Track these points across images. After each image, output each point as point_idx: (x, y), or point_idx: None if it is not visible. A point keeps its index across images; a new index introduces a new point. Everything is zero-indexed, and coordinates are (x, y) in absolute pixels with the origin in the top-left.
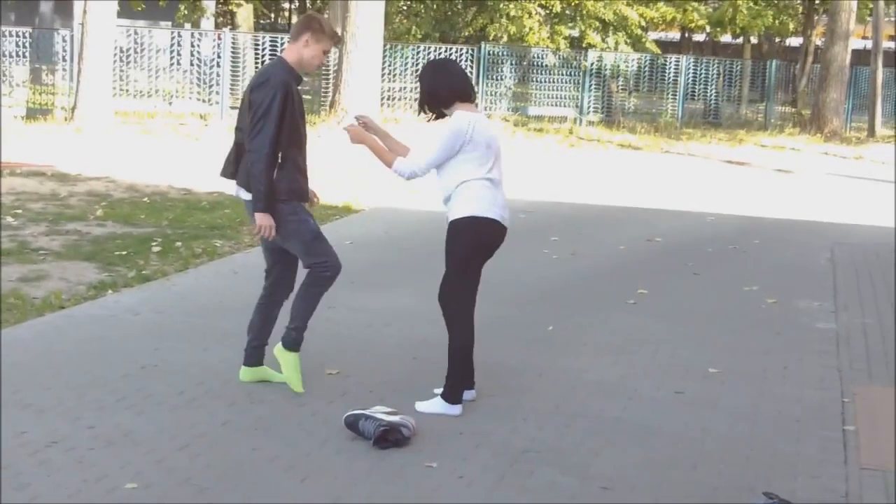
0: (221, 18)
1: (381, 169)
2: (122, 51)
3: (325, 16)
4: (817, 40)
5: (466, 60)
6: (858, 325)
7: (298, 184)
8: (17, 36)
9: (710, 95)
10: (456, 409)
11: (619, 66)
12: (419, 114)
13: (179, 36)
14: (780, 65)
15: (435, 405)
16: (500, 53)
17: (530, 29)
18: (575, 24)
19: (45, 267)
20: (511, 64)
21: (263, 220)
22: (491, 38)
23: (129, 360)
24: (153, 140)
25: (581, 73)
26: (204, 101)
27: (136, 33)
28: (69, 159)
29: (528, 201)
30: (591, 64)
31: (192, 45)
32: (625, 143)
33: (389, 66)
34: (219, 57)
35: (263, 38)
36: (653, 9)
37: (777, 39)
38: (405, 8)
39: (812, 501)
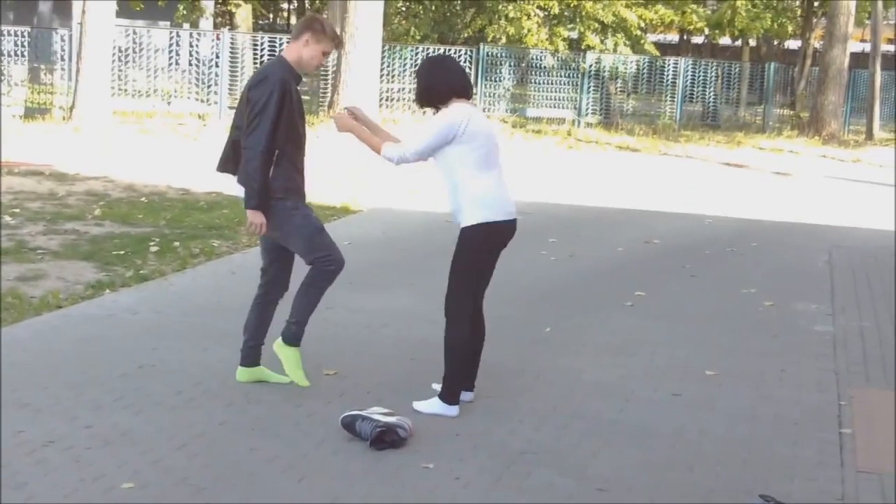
0: (220, 19)
1: (380, 169)
2: (120, 50)
3: (324, 16)
4: (816, 43)
5: (465, 62)
6: (856, 328)
7: (295, 182)
8: (16, 35)
9: (709, 98)
10: (453, 410)
11: (617, 68)
12: (419, 107)
13: (178, 36)
14: (778, 67)
15: (433, 405)
16: (499, 55)
17: (529, 30)
18: (574, 25)
19: (43, 266)
20: (510, 65)
21: (254, 217)
22: (489, 39)
23: (127, 359)
24: (151, 140)
25: (580, 75)
26: (202, 101)
27: (134, 33)
28: (67, 159)
29: (526, 203)
30: (590, 66)
31: (191, 45)
32: (623, 144)
33: (388, 66)
34: (217, 57)
35: (262, 38)
36: (651, 10)
37: (776, 42)
38: (404, 9)
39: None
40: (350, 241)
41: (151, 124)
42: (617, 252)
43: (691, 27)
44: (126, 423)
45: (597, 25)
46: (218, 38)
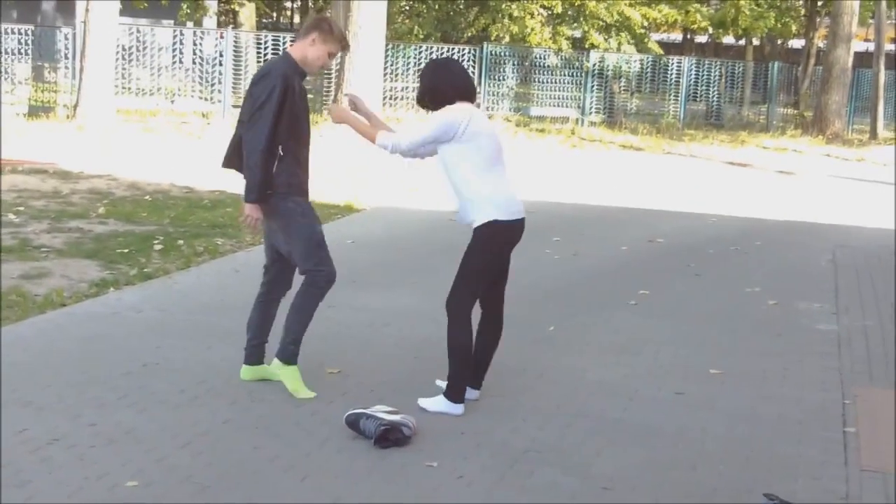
0: (224, 17)
1: (382, 168)
2: (124, 49)
3: (329, 15)
4: (819, 42)
5: (468, 61)
6: (859, 327)
7: (297, 178)
8: (20, 33)
9: (713, 97)
10: (458, 409)
11: (621, 67)
12: (420, 109)
13: (182, 34)
14: (782, 67)
15: (438, 403)
16: (502, 54)
17: (532, 29)
18: (578, 24)
19: (47, 264)
20: (513, 64)
21: (252, 210)
22: (493, 38)
23: (131, 357)
24: (155, 138)
25: (583, 74)
26: (206, 99)
27: (138, 31)
28: (71, 157)
29: (529, 201)
30: (594, 65)
31: (195, 44)
32: (627, 143)
33: (391, 65)
34: (221, 55)
35: (266, 36)
36: (655, 9)
37: (779, 41)
38: (407, 8)
39: (812, 503)
40: (353, 240)
41: (155, 123)
42: (621, 251)
43: (695, 26)
44: (130, 421)
45: (601, 24)
46: (221, 37)
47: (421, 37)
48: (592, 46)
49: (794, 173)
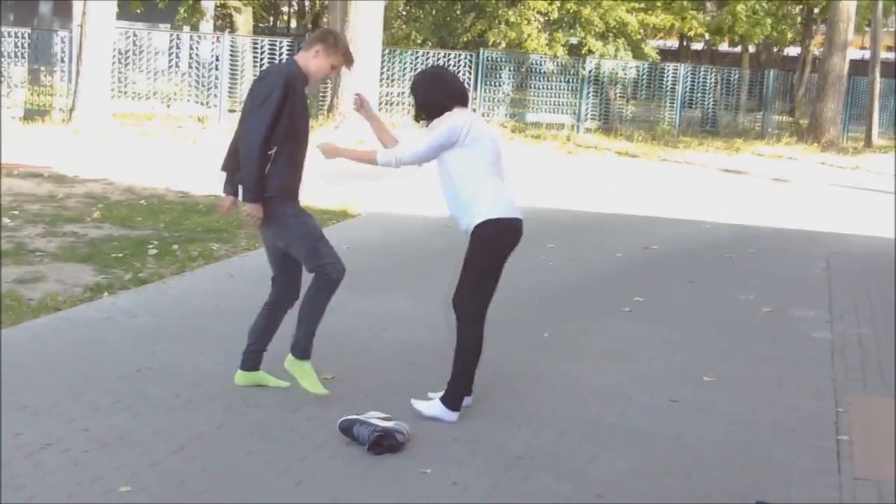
0: (220, 21)
1: (377, 174)
2: (120, 52)
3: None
4: (815, 50)
5: (465, 66)
6: (854, 335)
7: (289, 182)
8: (16, 37)
9: (708, 104)
10: (453, 416)
11: (617, 74)
12: (417, 121)
13: (178, 38)
14: (778, 74)
15: (434, 408)
16: (499, 59)
17: (529, 35)
18: (574, 30)
19: (42, 268)
20: (509, 70)
21: (252, 209)
22: (490, 43)
23: (125, 362)
24: (151, 142)
25: (579, 80)
26: (202, 103)
27: (135, 35)
28: (67, 161)
29: (525, 208)
30: (590, 71)
31: (191, 48)
32: (622, 150)
33: (388, 70)
34: (217, 60)
35: (262, 41)
36: (652, 15)
37: (775, 49)
38: (404, 13)
39: None
40: (348, 245)
41: (151, 127)
42: (616, 257)
43: (691, 32)
44: (124, 425)
45: (598, 29)
46: (218, 41)
47: (418, 42)
48: (589, 52)
49: (790, 181)
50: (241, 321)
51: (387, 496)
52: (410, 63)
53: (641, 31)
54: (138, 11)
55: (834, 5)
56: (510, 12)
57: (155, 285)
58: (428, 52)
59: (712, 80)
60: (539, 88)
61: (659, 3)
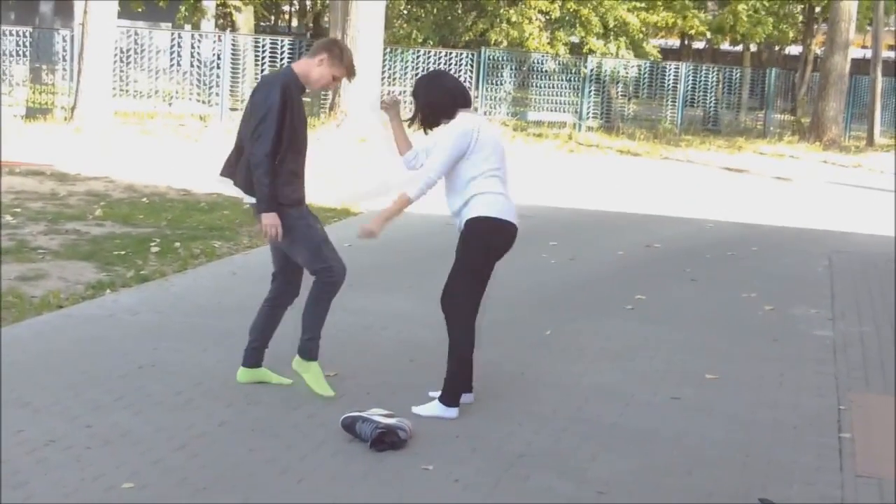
0: (222, 20)
1: (378, 172)
2: (122, 51)
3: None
4: (817, 49)
5: (466, 65)
6: (855, 333)
7: (293, 188)
8: (18, 35)
9: (710, 103)
10: (453, 413)
11: (618, 72)
12: (417, 128)
13: (180, 37)
14: (779, 73)
15: (432, 408)
16: (500, 58)
17: (530, 34)
18: (575, 29)
19: (44, 266)
20: (511, 69)
21: (269, 219)
22: (491, 42)
23: (127, 359)
24: (152, 141)
25: (581, 79)
26: (204, 102)
27: (136, 34)
28: (68, 159)
29: (526, 206)
30: (591, 70)
31: (193, 47)
32: (624, 149)
33: (389, 69)
34: (219, 58)
35: (263, 40)
36: (653, 14)
37: (777, 48)
38: (405, 12)
39: None
40: (350, 244)
41: (153, 125)
42: (617, 256)
43: (693, 31)
44: (126, 423)
45: (599, 29)
46: (219, 40)
47: (419, 41)
48: (590, 51)
49: (791, 179)
50: (243, 319)
51: (388, 493)
52: (412, 62)
53: (643, 29)
54: (139, 10)
55: (835, 5)
56: (511, 11)
57: (157, 283)
58: (429, 52)
59: (714, 78)
60: (540, 87)
61: (660, 2)
